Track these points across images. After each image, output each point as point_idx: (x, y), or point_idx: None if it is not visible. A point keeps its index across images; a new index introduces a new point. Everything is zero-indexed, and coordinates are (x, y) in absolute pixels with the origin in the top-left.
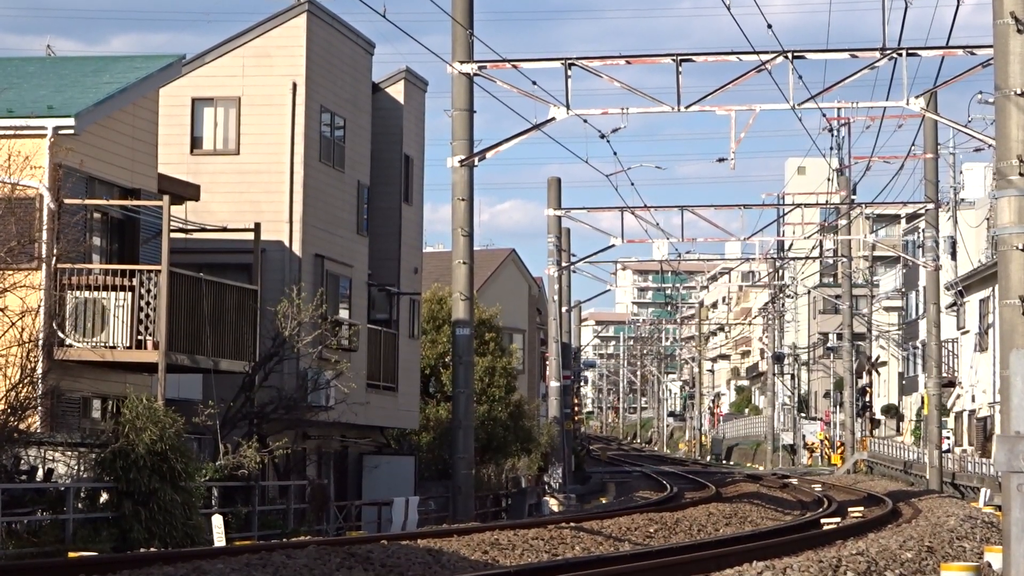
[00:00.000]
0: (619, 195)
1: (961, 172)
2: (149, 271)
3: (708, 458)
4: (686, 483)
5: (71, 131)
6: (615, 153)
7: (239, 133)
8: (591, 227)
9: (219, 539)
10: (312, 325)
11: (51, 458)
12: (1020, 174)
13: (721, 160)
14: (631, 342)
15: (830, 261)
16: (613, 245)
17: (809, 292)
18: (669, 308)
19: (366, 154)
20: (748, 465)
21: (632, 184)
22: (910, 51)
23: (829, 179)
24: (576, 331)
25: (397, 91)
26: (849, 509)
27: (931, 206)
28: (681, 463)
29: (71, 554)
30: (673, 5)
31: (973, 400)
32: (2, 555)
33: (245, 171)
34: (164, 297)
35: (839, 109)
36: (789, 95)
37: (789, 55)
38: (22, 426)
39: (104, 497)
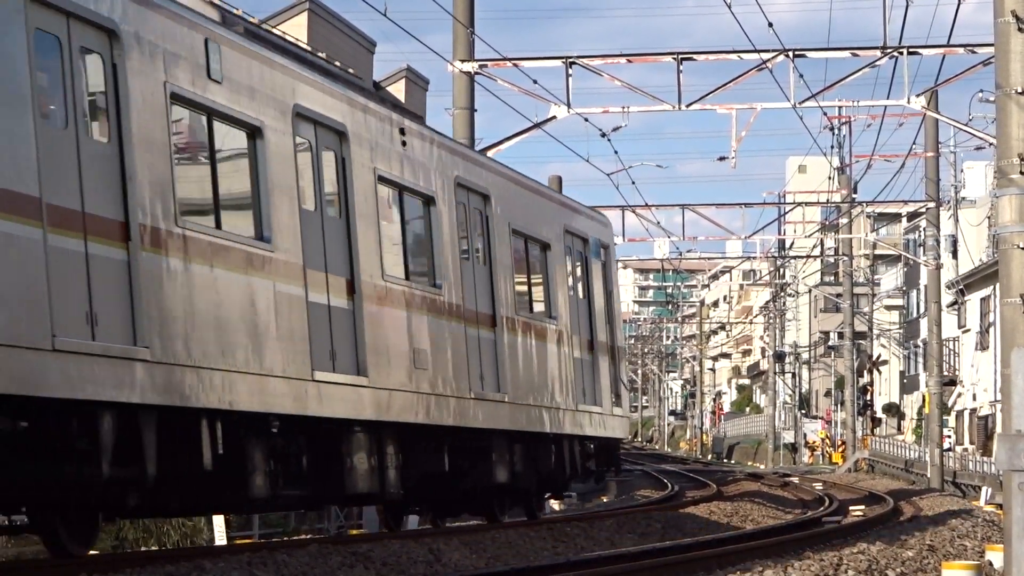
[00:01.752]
0: (620, 194)
1: (962, 171)
2: None
3: (709, 457)
4: (687, 482)
5: None
6: (616, 152)
7: None
8: None
9: (220, 538)
10: None
11: None
12: (1021, 172)
13: (722, 159)
14: (632, 340)
15: (831, 260)
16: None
17: (810, 291)
18: (670, 307)
19: None
20: (749, 464)
21: (633, 183)
22: (911, 50)
23: (830, 178)
24: None
25: (398, 90)
26: (850, 508)
27: (932, 205)
28: (682, 462)
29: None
30: (675, 4)
31: (974, 399)
32: (2, 554)
33: None
34: None
35: (840, 108)
36: (790, 94)
37: (790, 54)
38: None
39: None
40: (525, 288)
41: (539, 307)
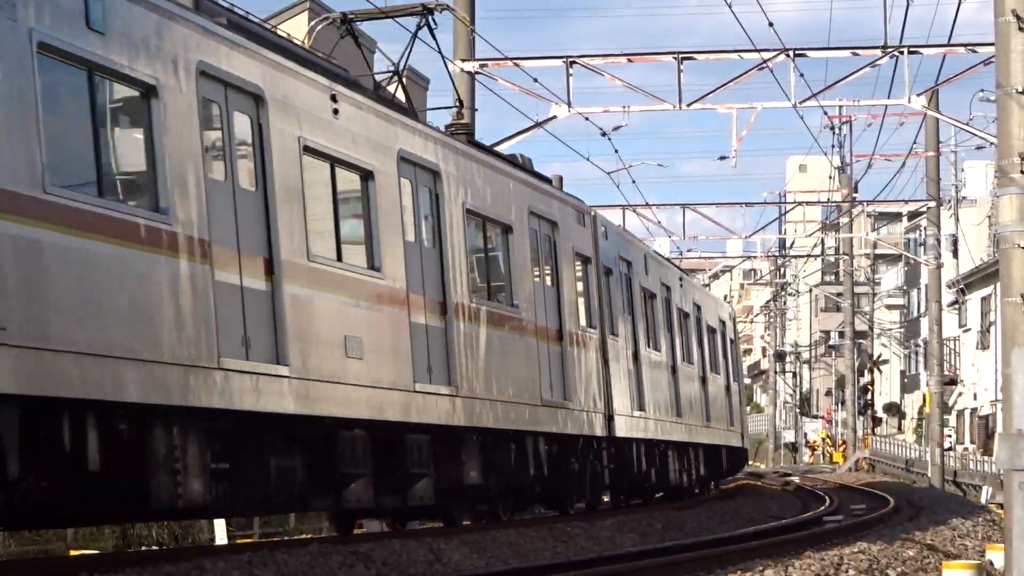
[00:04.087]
0: (621, 193)
1: (963, 170)
2: None
3: None
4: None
5: None
6: (617, 151)
7: None
8: None
9: (221, 537)
10: None
11: None
12: (1021, 172)
13: (723, 158)
14: None
15: (832, 259)
16: None
17: (811, 290)
18: None
19: None
20: (750, 463)
21: (634, 182)
22: (912, 49)
23: (831, 177)
24: None
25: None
26: (851, 507)
27: (933, 204)
28: None
29: (72, 552)
30: (676, 3)
31: (975, 398)
32: (4, 554)
33: None
34: None
35: (841, 107)
36: (791, 93)
37: (791, 53)
38: None
39: None
40: (719, 354)
41: (721, 368)
